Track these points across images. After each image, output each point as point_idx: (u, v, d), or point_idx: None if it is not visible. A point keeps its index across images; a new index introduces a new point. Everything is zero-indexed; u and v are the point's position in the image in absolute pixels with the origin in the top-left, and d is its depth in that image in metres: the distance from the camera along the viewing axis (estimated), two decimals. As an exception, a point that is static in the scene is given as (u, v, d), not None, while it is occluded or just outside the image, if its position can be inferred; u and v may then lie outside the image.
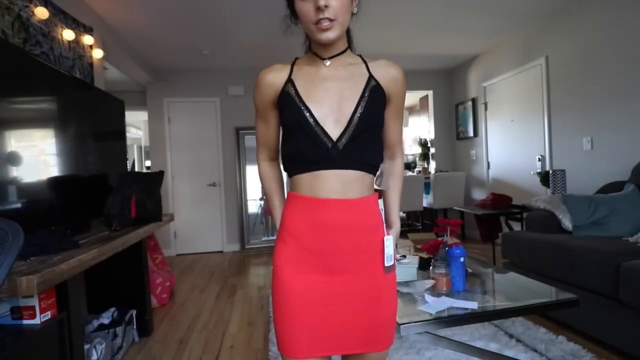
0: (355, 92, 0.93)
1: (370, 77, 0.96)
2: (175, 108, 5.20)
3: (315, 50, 0.97)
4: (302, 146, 0.91)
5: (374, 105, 0.93)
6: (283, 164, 1.02)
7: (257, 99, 1.00)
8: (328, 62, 0.96)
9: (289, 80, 0.95)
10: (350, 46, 1.00)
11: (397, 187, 1.08)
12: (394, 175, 1.08)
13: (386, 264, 0.95)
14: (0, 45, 1.63)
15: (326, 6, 0.85)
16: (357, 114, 0.90)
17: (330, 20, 0.87)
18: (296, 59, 1.01)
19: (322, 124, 0.90)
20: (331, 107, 0.91)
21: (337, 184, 0.90)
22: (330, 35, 0.89)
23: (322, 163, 0.90)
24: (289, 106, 0.93)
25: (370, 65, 0.98)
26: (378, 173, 1.00)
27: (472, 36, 4.30)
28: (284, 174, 1.05)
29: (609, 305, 2.02)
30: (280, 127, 1.01)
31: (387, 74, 0.97)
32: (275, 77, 0.96)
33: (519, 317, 2.40)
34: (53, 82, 1.93)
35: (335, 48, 0.95)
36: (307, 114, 0.90)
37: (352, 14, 0.93)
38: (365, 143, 0.93)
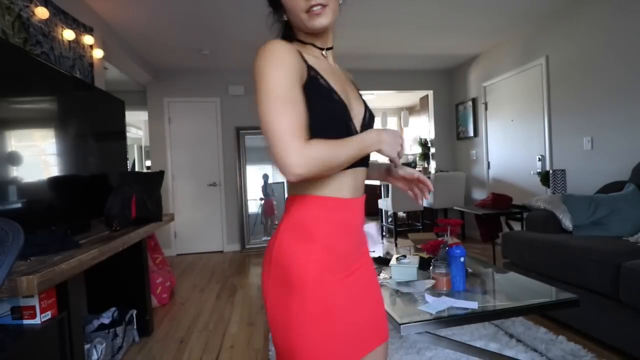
0: (356, 91, 0.95)
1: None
2: (175, 108, 5.20)
3: (311, 41, 0.89)
4: None
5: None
6: None
7: (281, 76, 0.76)
8: (325, 53, 0.92)
9: (310, 67, 0.83)
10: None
11: None
12: None
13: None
14: (1, 45, 1.63)
15: None
16: (367, 114, 0.93)
17: (323, 5, 0.82)
18: (290, 41, 0.87)
19: (354, 120, 0.88)
20: (349, 103, 0.88)
21: (360, 181, 0.92)
22: (323, 21, 0.83)
23: (357, 161, 0.85)
24: (326, 98, 0.83)
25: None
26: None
27: (472, 36, 4.30)
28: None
29: (609, 305, 2.02)
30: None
31: (349, 76, 1.03)
32: (296, 54, 0.81)
33: (519, 317, 2.40)
34: (53, 82, 1.93)
35: (330, 39, 0.92)
36: (346, 110, 0.86)
37: (339, 3, 0.89)
38: None
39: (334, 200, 0.85)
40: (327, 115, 0.82)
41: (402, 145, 0.87)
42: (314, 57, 0.87)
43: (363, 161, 0.89)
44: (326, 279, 0.83)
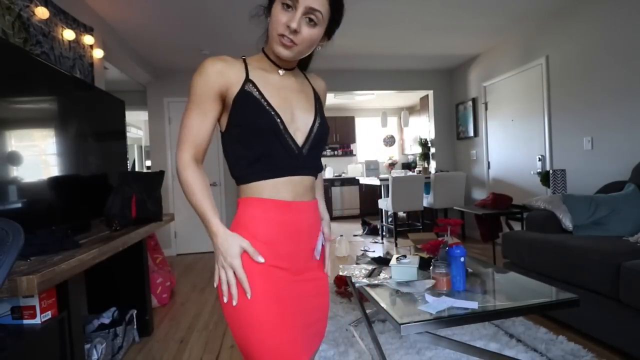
0: (310, 104, 1.00)
1: (314, 90, 1.04)
2: (175, 108, 5.20)
3: (272, 58, 0.96)
4: (271, 152, 0.90)
5: (324, 119, 1.01)
6: (238, 169, 0.94)
7: (199, 85, 0.89)
8: (282, 72, 0.98)
9: (248, 80, 0.92)
10: (305, 66, 1.07)
11: (321, 189, 1.18)
12: (320, 180, 1.18)
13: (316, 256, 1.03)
14: (1, 45, 1.63)
15: (296, 31, 0.87)
16: (316, 125, 0.97)
17: (293, 42, 0.88)
18: (244, 58, 0.97)
19: (289, 130, 0.92)
20: (291, 115, 0.93)
21: (301, 188, 0.95)
22: (285, 53, 0.90)
23: (290, 169, 0.92)
24: (255, 108, 0.90)
25: (309, 77, 1.07)
26: None
27: (472, 36, 4.30)
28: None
29: (609, 305, 2.02)
30: (228, 128, 0.93)
31: (321, 87, 1.08)
32: (228, 69, 0.91)
33: (519, 317, 2.40)
34: (53, 82, 1.93)
35: (291, 63, 0.99)
36: (278, 120, 0.90)
37: (315, 49, 0.97)
38: (319, 152, 1.01)
39: (272, 202, 0.91)
40: (253, 123, 0.89)
41: (223, 263, 0.87)
42: (262, 70, 0.95)
43: (296, 170, 0.93)
44: (270, 272, 0.89)
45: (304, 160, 0.94)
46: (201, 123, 0.91)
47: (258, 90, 0.91)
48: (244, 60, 0.96)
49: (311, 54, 1.02)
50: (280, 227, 0.92)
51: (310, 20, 0.88)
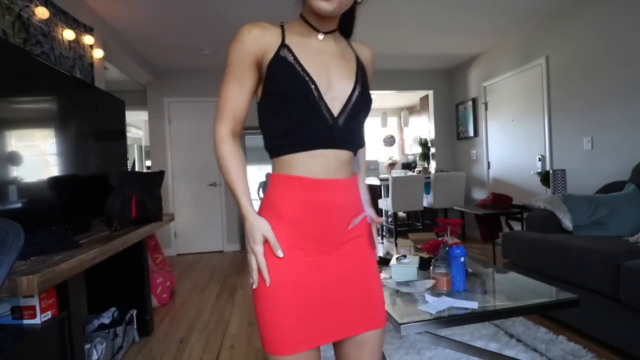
0: (350, 71, 0.92)
1: (357, 58, 0.97)
2: (175, 108, 5.20)
3: (310, 21, 0.91)
4: (303, 121, 0.85)
5: (367, 88, 0.94)
6: (269, 140, 0.92)
7: (235, 52, 0.87)
8: (321, 36, 0.92)
9: (284, 45, 0.87)
10: (349, 33, 1.01)
11: (364, 168, 1.11)
12: (362, 158, 1.10)
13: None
14: (1, 45, 1.63)
15: None
16: (356, 94, 0.90)
17: None
18: (282, 24, 0.93)
19: (324, 98, 0.86)
20: (328, 81, 0.87)
21: (335, 164, 0.88)
22: (327, 7, 0.83)
23: (323, 141, 0.86)
24: (289, 74, 0.85)
25: (353, 44, 1.00)
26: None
27: (472, 36, 4.30)
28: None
29: (609, 305, 2.02)
30: (263, 96, 0.90)
31: (366, 54, 1.00)
32: (264, 34, 0.87)
33: (519, 317, 2.40)
34: (53, 82, 1.93)
35: (331, 24, 0.93)
36: (313, 86, 0.85)
37: (356, 2, 0.91)
38: (359, 125, 0.94)
39: (299, 179, 0.86)
40: (286, 89, 0.85)
41: (253, 251, 0.87)
42: (299, 36, 0.90)
43: (330, 143, 0.87)
44: (294, 255, 0.87)
45: (338, 132, 0.87)
46: (238, 93, 0.89)
47: (293, 54, 0.86)
48: (282, 26, 0.92)
49: (353, 17, 0.98)
50: (307, 206, 0.87)
51: None
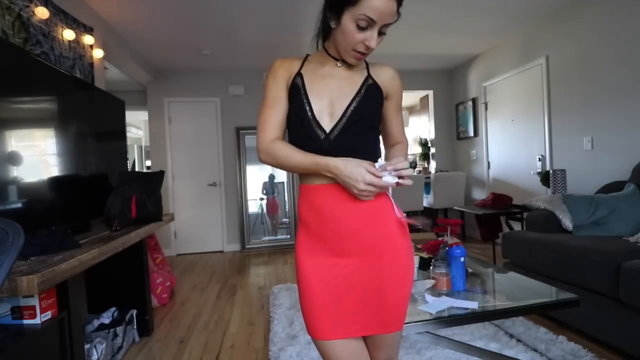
0: (352, 89, 1.02)
1: (369, 76, 1.06)
2: (175, 108, 5.20)
3: (333, 55, 1.04)
4: (299, 137, 1.01)
5: (368, 100, 1.02)
6: None
7: (271, 85, 1.05)
8: (340, 64, 1.05)
9: (299, 74, 1.04)
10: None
11: (402, 151, 1.12)
12: (397, 151, 1.12)
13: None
14: (1, 45, 1.63)
15: (371, 47, 0.95)
16: (351, 108, 1.00)
17: (366, 54, 0.99)
18: (307, 55, 1.09)
19: (318, 117, 0.99)
20: (330, 101, 1.01)
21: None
22: (357, 62, 1.02)
23: (317, 154, 0.98)
24: (295, 98, 1.01)
25: (370, 66, 1.09)
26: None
27: (472, 36, 4.30)
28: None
29: (609, 305, 2.02)
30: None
31: (384, 73, 1.09)
32: (289, 66, 1.05)
33: (519, 317, 2.40)
34: (53, 82, 1.93)
35: None
36: (307, 108, 0.99)
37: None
38: (356, 133, 1.00)
39: (307, 187, 1.03)
40: (291, 110, 1.03)
41: (358, 189, 0.92)
42: (317, 63, 1.06)
43: (325, 155, 0.97)
44: (301, 256, 1.03)
45: (329, 145, 0.98)
46: (278, 113, 1.04)
47: (302, 81, 1.02)
48: (306, 57, 1.08)
49: None
50: (310, 210, 1.02)
51: (383, 32, 0.96)
